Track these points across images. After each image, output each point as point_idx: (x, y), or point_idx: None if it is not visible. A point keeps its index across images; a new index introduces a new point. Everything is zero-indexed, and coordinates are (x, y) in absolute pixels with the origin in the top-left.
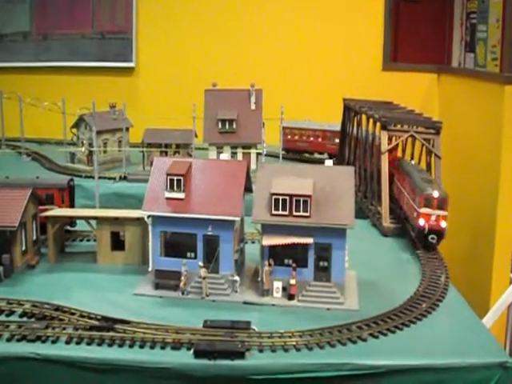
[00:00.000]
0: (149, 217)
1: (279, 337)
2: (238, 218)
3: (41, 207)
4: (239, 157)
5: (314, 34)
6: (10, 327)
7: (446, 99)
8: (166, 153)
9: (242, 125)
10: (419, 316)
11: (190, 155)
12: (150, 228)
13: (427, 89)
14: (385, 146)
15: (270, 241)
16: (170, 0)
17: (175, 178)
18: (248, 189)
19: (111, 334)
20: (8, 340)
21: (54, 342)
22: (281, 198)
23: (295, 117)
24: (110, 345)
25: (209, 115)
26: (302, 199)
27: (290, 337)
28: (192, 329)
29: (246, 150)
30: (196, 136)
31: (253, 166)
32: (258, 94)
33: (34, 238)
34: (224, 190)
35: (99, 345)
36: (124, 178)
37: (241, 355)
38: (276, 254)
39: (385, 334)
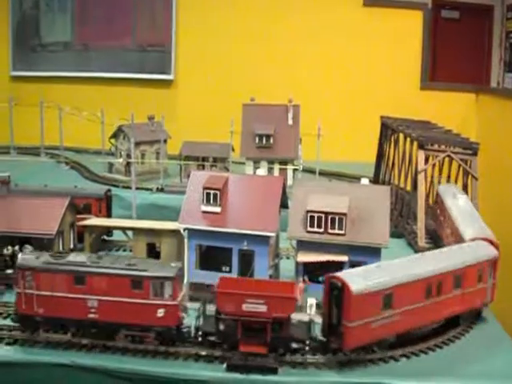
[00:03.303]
0: (185, 230)
1: (311, 354)
2: (273, 234)
3: (78, 216)
4: (275, 172)
5: (353, 51)
6: (47, 334)
7: (483, 119)
8: (203, 166)
9: (278, 140)
10: (452, 338)
11: (227, 169)
12: (185, 241)
13: (465, 109)
14: (421, 166)
15: (304, 257)
16: (209, 14)
17: (212, 191)
18: (283, 204)
19: (145, 345)
20: (45, 347)
21: (88, 350)
22: (316, 215)
23: (332, 134)
24: (143, 356)
25: (246, 130)
26: (337, 217)
27: (322, 354)
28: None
29: (282, 166)
30: (233, 150)
31: (289, 182)
32: (296, 110)
33: (72, 246)
34: (260, 206)
35: (133, 355)
36: (161, 190)
37: (273, 371)
38: (310, 271)
39: (417, 355)
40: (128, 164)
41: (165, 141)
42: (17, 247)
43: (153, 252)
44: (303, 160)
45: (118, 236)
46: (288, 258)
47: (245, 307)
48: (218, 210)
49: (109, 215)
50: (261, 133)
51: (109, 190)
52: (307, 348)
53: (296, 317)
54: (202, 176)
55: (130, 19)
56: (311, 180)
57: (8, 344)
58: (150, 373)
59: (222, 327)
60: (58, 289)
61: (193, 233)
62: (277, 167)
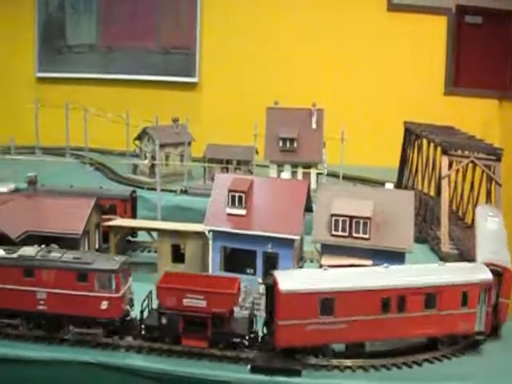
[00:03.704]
0: (210, 231)
1: (335, 357)
2: (298, 237)
3: (104, 217)
4: (299, 176)
5: (377, 56)
6: (73, 333)
7: (507, 125)
8: (227, 168)
9: (302, 144)
10: (474, 344)
11: (251, 172)
12: (210, 242)
13: (488, 114)
14: (445, 171)
15: (329, 261)
16: (233, 17)
17: (237, 194)
18: (308, 208)
19: (170, 345)
20: (71, 345)
21: (114, 349)
22: (341, 219)
23: (355, 138)
24: (169, 355)
25: (270, 133)
26: (361, 221)
27: (345, 357)
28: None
29: (306, 170)
30: (257, 153)
31: (313, 186)
32: (320, 114)
33: (97, 246)
34: (285, 209)
35: (158, 355)
36: (185, 192)
37: (297, 373)
38: None
39: (440, 360)
40: (152, 166)
41: (189, 143)
42: (44, 246)
43: (177, 253)
44: (327, 164)
45: (142, 237)
46: (312, 261)
47: (185, 302)
48: (242, 212)
49: (134, 216)
50: (285, 136)
51: (134, 192)
52: (247, 343)
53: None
54: (226, 179)
55: (154, 22)
56: (335, 184)
57: (33, 341)
58: (178, 373)
59: (164, 321)
60: (9, 281)
61: (218, 235)
62: (300, 171)
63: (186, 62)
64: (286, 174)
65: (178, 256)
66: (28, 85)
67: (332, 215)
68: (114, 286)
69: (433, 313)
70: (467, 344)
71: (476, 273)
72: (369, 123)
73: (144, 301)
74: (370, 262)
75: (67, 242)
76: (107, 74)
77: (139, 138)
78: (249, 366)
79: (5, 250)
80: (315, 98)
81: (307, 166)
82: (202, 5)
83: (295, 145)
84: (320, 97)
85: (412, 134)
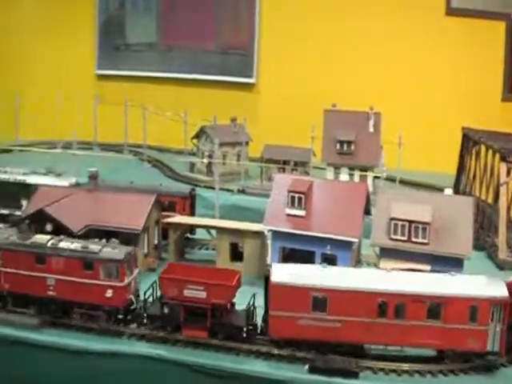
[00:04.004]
0: (269, 231)
1: (393, 360)
2: (356, 240)
3: (163, 213)
4: (356, 178)
5: (434, 60)
6: (132, 327)
7: None
8: (284, 169)
9: (359, 147)
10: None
11: (308, 173)
12: (269, 242)
13: None
14: (503, 178)
15: (387, 265)
16: (291, 19)
17: (297, 195)
18: (366, 211)
19: (228, 343)
20: (130, 338)
21: (173, 344)
22: (400, 223)
23: (412, 143)
24: (227, 353)
25: (327, 135)
26: (421, 226)
27: (404, 361)
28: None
29: (363, 173)
30: (314, 155)
31: (369, 189)
32: (377, 117)
33: (156, 242)
34: (344, 211)
35: (216, 351)
36: (242, 191)
37: (355, 375)
38: None
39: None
40: (210, 164)
41: (246, 143)
42: (104, 240)
43: (236, 252)
44: (386, 168)
45: (200, 235)
46: (368, 264)
47: (186, 293)
48: (302, 213)
49: (192, 214)
50: (342, 139)
51: (193, 190)
52: (244, 334)
53: None
54: (286, 179)
55: (213, 22)
56: (394, 188)
57: (97, 334)
58: (237, 370)
59: (166, 311)
60: (22, 267)
61: (277, 235)
62: (357, 174)
63: (243, 63)
64: (344, 177)
65: (236, 254)
66: (87, 82)
67: (391, 219)
68: (117, 276)
69: (437, 324)
70: (481, 364)
71: (489, 288)
72: (426, 128)
73: (147, 290)
74: (428, 267)
75: (127, 237)
76: (166, 73)
77: (197, 136)
78: (307, 367)
79: (18, 236)
80: (373, 101)
81: (364, 169)
82: (261, 6)
83: (352, 148)
84: (377, 100)
85: (470, 140)
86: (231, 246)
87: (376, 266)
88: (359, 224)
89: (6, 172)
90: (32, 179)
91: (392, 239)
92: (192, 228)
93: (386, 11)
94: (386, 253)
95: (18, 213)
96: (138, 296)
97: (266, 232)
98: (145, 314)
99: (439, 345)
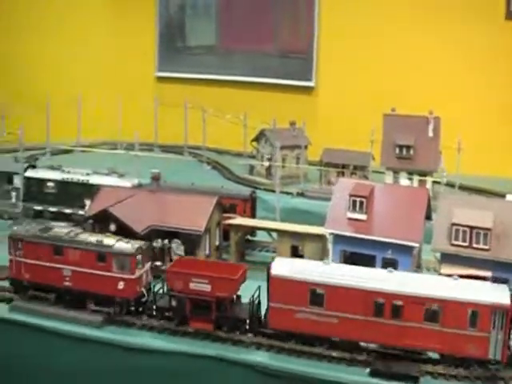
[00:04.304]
0: (330, 234)
1: (455, 366)
2: (417, 244)
3: (224, 215)
4: (415, 183)
5: (494, 65)
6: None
7: None
8: (343, 173)
9: (418, 151)
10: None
11: (367, 177)
12: (330, 246)
13: None
14: None
15: (448, 270)
16: (351, 21)
17: (358, 199)
18: (427, 216)
19: (290, 344)
20: (192, 338)
21: (235, 345)
22: (461, 228)
23: (471, 148)
24: (289, 354)
25: (387, 140)
26: (482, 232)
27: (465, 367)
28: (369, 348)
29: (422, 177)
30: (373, 159)
31: None
32: (436, 122)
33: (217, 243)
34: (405, 216)
35: (278, 353)
36: (301, 194)
37: (415, 380)
38: None
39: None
40: (269, 167)
41: (305, 146)
42: (166, 241)
43: (296, 254)
44: (446, 173)
45: (260, 236)
46: (428, 269)
47: (192, 286)
48: (363, 217)
49: (253, 216)
50: (401, 143)
51: (254, 192)
52: (247, 327)
53: None
54: (348, 183)
55: (272, 25)
56: (455, 193)
57: (158, 332)
58: (297, 372)
59: (173, 303)
60: (41, 258)
61: (338, 238)
62: (416, 178)
63: (302, 66)
64: (405, 182)
65: (296, 257)
66: (148, 84)
67: (452, 224)
68: (129, 268)
69: (435, 328)
70: (483, 372)
71: (492, 294)
72: (486, 132)
73: (157, 283)
74: (489, 274)
75: (189, 238)
76: (225, 76)
77: (256, 139)
78: (368, 370)
79: (40, 229)
80: (432, 106)
81: (423, 173)
82: (320, 8)
83: (411, 152)
84: (437, 105)
85: None
86: (292, 248)
87: (436, 271)
88: (420, 229)
89: (69, 172)
90: (95, 180)
91: (453, 245)
92: (253, 230)
93: (444, 17)
94: (447, 258)
95: (80, 212)
96: (149, 289)
97: (327, 235)
98: (154, 306)
99: (438, 349)
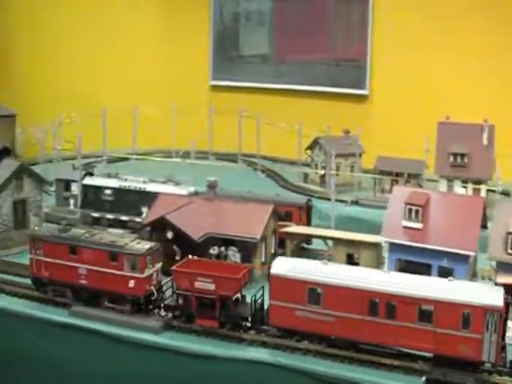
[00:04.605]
0: (386, 243)
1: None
2: (473, 253)
3: (280, 223)
4: (469, 191)
5: None
6: (250, 332)
7: None
8: (397, 181)
9: (473, 159)
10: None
11: (420, 186)
12: (386, 254)
13: None
14: None
15: (504, 279)
16: (405, 30)
17: (414, 208)
18: (482, 225)
19: (351, 353)
20: (248, 344)
21: (292, 351)
22: None
23: None
24: (349, 363)
25: (441, 148)
26: None
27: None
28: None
29: (476, 186)
30: (427, 167)
31: None
32: (491, 130)
33: (273, 251)
34: (461, 224)
35: (333, 360)
36: (355, 203)
37: None
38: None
39: None
40: (323, 175)
41: (360, 155)
42: (222, 248)
43: (351, 262)
44: (501, 182)
45: (315, 245)
46: (483, 278)
47: (197, 285)
48: (419, 225)
49: (308, 224)
50: (456, 151)
51: (309, 200)
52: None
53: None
54: (404, 192)
55: (326, 34)
56: (511, 201)
57: (216, 338)
58: (350, 379)
59: (180, 301)
60: (59, 257)
61: (394, 246)
62: (470, 187)
63: (356, 75)
64: (461, 190)
65: (352, 265)
66: (202, 92)
67: (508, 233)
68: (139, 268)
69: (429, 328)
70: (475, 374)
71: (485, 296)
72: None
73: (166, 282)
74: None
75: (245, 246)
76: (279, 84)
77: (311, 147)
78: (423, 378)
79: (59, 229)
80: (486, 113)
81: (477, 182)
82: (374, 18)
83: (466, 160)
84: (491, 113)
85: None
86: (347, 256)
87: (492, 280)
88: (476, 237)
89: (126, 180)
90: (151, 187)
91: (509, 254)
92: (308, 238)
93: (495, 23)
94: (503, 267)
95: (137, 219)
96: (160, 288)
97: (383, 243)
98: (162, 304)
99: (431, 349)
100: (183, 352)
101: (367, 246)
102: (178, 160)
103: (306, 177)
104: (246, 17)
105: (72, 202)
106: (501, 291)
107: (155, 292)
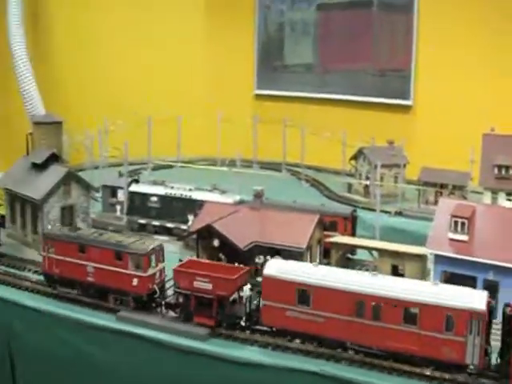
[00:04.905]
0: (431, 255)
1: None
2: None
3: (325, 233)
4: None
5: None
6: (295, 342)
7: None
8: (441, 193)
9: None
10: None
11: (465, 197)
12: (431, 266)
13: None
14: None
15: None
16: (449, 40)
17: (460, 220)
18: None
19: (389, 363)
20: (293, 353)
21: (336, 361)
22: None
23: None
24: (389, 373)
25: (485, 159)
26: None
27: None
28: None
29: None
30: (471, 179)
31: None
32: None
33: (318, 261)
34: (506, 237)
35: (370, 369)
36: (399, 213)
37: None
38: None
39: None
40: (367, 186)
41: (404, 165)
42: (268, 257)
43: (396, 273)
44: None
45: (360, 255)
46: None
47: (196, 284)
48: (465, 238)
49: (353, 234)
50: (500, 164)
51: (354, 210)
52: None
53: None
54: (449, 204)
55: (370, 43)
56: None
57: (260, 346)
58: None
59: (180, 300)
60: (69, 255)
61: (439, 259)
62: None
63: (400, 85)
64: (505, 203)
65: (397, 276)
66: (247, 101)
67: None
68: (141, 267)
69: (413, 330)
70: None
71: (469, 300)
72: None
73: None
74: None
75: (291, 255)
76: (323, 94)
77: (355, 157)
78: None
79: (70, 229)
80: None
81: None
82: (419, 27)
83: (511, 172)
84: None
85: None
86: (392, 267)
87: None
88: None
89: (172, 187)
90: (197, 195)
91: None
92: (353, 248)
93: None
94: None
95: (183, 227)
96: (162, 286)
97: (428, 255)
98: (163, 302)
99: (415, 351)
100: (228, 359)
101: (412, 258)
102: (225, 168)
103: (349, 187)
104: (291, 26)
105: (118, 208)
106: (485, 295)
107: (157, 290)
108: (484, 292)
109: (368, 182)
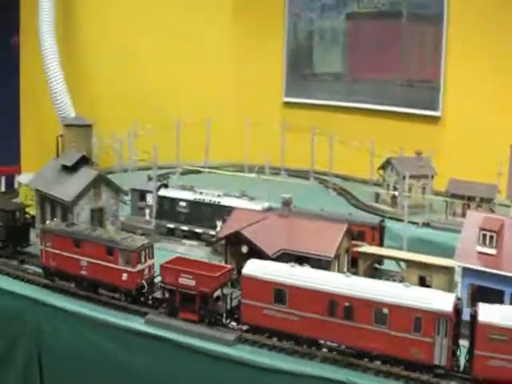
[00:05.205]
0: (459, 267)
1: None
2: None
3: (353, 242)
4: None
5: None
6: (323, 351)
7: None
8: (469, 205)
9: None
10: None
11: (493, 210)
12: (459, 278)
13: None
14: None
15: None
16: (478, 51)
17: (488, 233)
18: None
19: (410, 373)
20: (321, 362)
21: (364, 371)
22: None
23: None
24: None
25: None
26: None
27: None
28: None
29: None
30: (499, 192)
31: None
32: None
33: (345, 270)
34: None
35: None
36: (427, 225)
37: None
38: None
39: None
40: (394, 196)
41: (432, 177)
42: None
43: (424, 285)
44: None
45: (387, 265)
46: None
47: (180, 280)
48: (493, 251)
49: (381, 245)
50: None
51: (383, 220)
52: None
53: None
54: (478, 217)
55: (399, 54)
56: None
57: (287, 354)
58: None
59: (166, 295)
60: (65, 249)
61: (467, 271)
62: None
63: (429, 96)
64: None
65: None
66: (275, 109)
67: None
68: (131, 262)
69: (383, 330)
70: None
71: (437, 301)
72: None
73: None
74: None
75: (319, 263)
76: (351, 103)
77: (383, 167)
78: None
79: (67, 224)
80: None
81: None
82: (448, 38)
83: None
84: None
85: None
86: (419, 279)
87: None
88: None
89: (201, 193)
90: (226, 201)
91: None
92: (380, 258)
93: None
94: None
95: (211, 232)
96: (151, 282)
97: (456, 268)
98: (150, 297)
99: (386, 351)
100: (253, 365)
101: (440, 270)
102: (253, 175)
103: (377, 196)
104: (320, 35)
105: (147, 212)
106: (453, 297)
107: (146, 285)
108: (453, 294)
109: (396, 193)
